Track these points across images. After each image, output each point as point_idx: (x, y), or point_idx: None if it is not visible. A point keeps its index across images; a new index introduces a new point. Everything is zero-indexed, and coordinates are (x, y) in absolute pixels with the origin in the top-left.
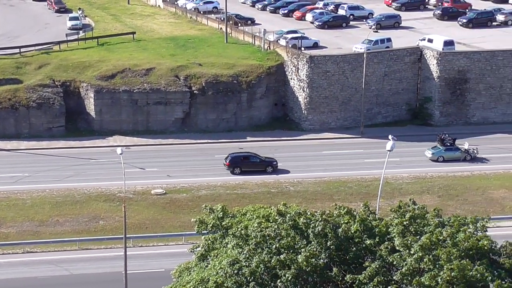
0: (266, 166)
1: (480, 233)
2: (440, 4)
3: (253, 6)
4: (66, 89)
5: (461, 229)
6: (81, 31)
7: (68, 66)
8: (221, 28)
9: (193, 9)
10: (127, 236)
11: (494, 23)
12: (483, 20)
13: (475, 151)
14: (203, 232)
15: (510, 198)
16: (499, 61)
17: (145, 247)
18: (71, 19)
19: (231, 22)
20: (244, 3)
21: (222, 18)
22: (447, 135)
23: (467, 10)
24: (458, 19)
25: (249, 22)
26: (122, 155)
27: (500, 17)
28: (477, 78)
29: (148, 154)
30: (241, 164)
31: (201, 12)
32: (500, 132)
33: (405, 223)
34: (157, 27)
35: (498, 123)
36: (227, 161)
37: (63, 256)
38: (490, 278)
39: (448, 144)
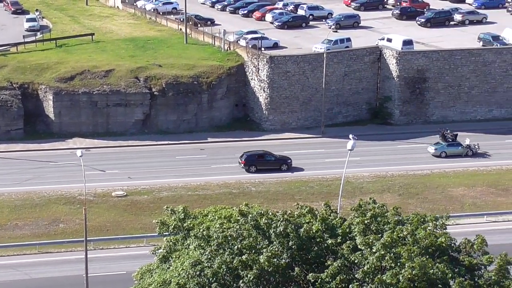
0: (281, 164)
1: (440, 231)
2: (398, 4)
3: (213, 6)
4: (24, 92)
5: (422, 226)
6: (38, 33)
7: (26, 68)
8: (180, 29)
9: (152, 10)
10: (87, 239)
11: (452, 23)
12: (441, 20)
13: (477, 147)
14: (164, 233)
15: (469, 195)
16: (457, 60)
17: (106, 250)
18: (28, 20)
19: (190, 22)
20: (204, 3)
21: (181, 19)
22: (448, 131)
23: (425, 10)
24: (417, 18)
25: (209, 22)
26: (82, 157)
27: (457, 17)
28: (436, 77)
29: (109, 156)
30: (257, 162)
31: (161, 13)
32: (459, 130)
33: (366, 221)
34: (116, 28)
35: (457, 121)
36: (243, 160)
37: (22, 260)
38: (450, 275)
39: (450, 140)
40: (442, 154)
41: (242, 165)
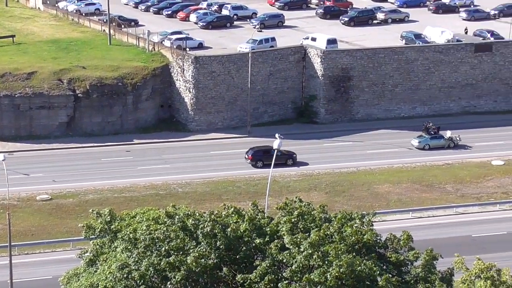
0: (287, 159)
1: (366, 227)
2: (322, 3)
3: (136, 7)
4: None
5: (348, 224)
6: None
7: None
8: (104, 30)
9: (74, 11)
10: (12, 244)
11: (375, 21)
12: (364, 19)
13: (458, 139)
14: (91, 237)
15: (394, 192)
16: (380, 59)
17: (31, 255)
18: None
19: (114, 24)
20: (127, 4)
21: (104, 20)
22: (431, 124)
23: (348, 9)
24: (340, 17)
25: (133, 23)
26: (4, 161)
27: (380, 15)
28: (360, 76)
29: (32, 160)
30: (263, 157)
31: (83, 14)
32: (383, 128)
33: (293, 220)
34: (38, 30)
35: (382, 119)
36: (250, 155)
37: None
38: (378, 272)
39: (433, 133)
40: (426, 147)
41: (249, 160)
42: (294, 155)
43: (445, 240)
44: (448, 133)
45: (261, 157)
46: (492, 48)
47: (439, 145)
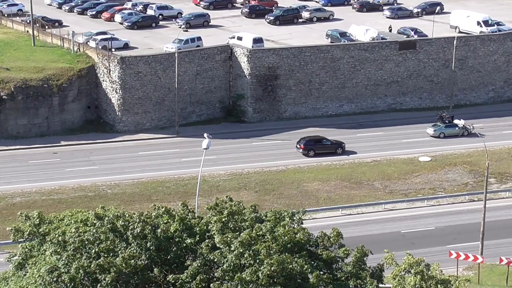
0: (336, 148)
1: (297, 226)
2: (247, 2)
3: (60, 8)
4: None
5: (281, 223)
6: None
7: None
8: (27, 31)
9: None
10: None
11: (300, 20)
12: (290, 17)
13: (471, 127)
14: (19, 240)
15: (323, 190)
16: (306, 57)
17: None
18: None
19: (37, 24)
20: (50, 4)
21: (28, 21)
22: (446, 114)
23: (273, 8)
24: (266, 16)
25: (57, 24)
26: None
27: (305, 14)
28: (287, 74)
29: None
30: (315, 147)
31: (5, 15)
32: (311, 126)
33: (223, 219)
34: None
35: (309, 117)
36: (302, 145)
37: None
38: (309, 270)
39: (447, 122)
40: (441, 135)
41: (301, 150)
42: (343, 144)
43: (374, 236)
44: (461, 122)
45: (312, 146)
46: (416, 45)
47: (454, 133)
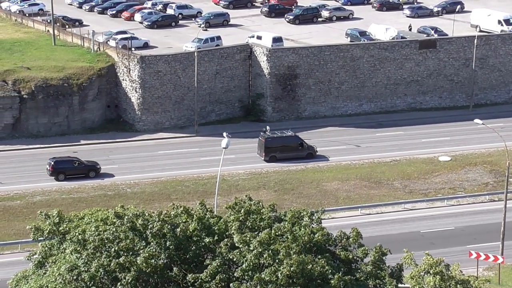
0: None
1: (316, 225)
2: (266, 1)
3: (80, 7)
4: None
5: (302, 223)
6: None
7: None
8: (48, 31)
9: (17, 12)
10: None
11: (320, 19)
12: (309, 16)
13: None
14: (39, 239)
15: (343, 189)
16: (326, 56)
17: None
18: None
19: (58, 24)
20: (71, 4)
21: (48, 20)
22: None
23: (293, 7)
24: (285, 15)
25: (77, 23)
26: None
27: (325, 13)
28: (306, 73)
29: None
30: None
31: (27, 15)
32: (330, 125)
33: (241, 218)
34: None
35: (328, 116)
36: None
37: None
38: (330, 271)
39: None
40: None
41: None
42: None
43: (394, 236)
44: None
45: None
46: (436, 44)
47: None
